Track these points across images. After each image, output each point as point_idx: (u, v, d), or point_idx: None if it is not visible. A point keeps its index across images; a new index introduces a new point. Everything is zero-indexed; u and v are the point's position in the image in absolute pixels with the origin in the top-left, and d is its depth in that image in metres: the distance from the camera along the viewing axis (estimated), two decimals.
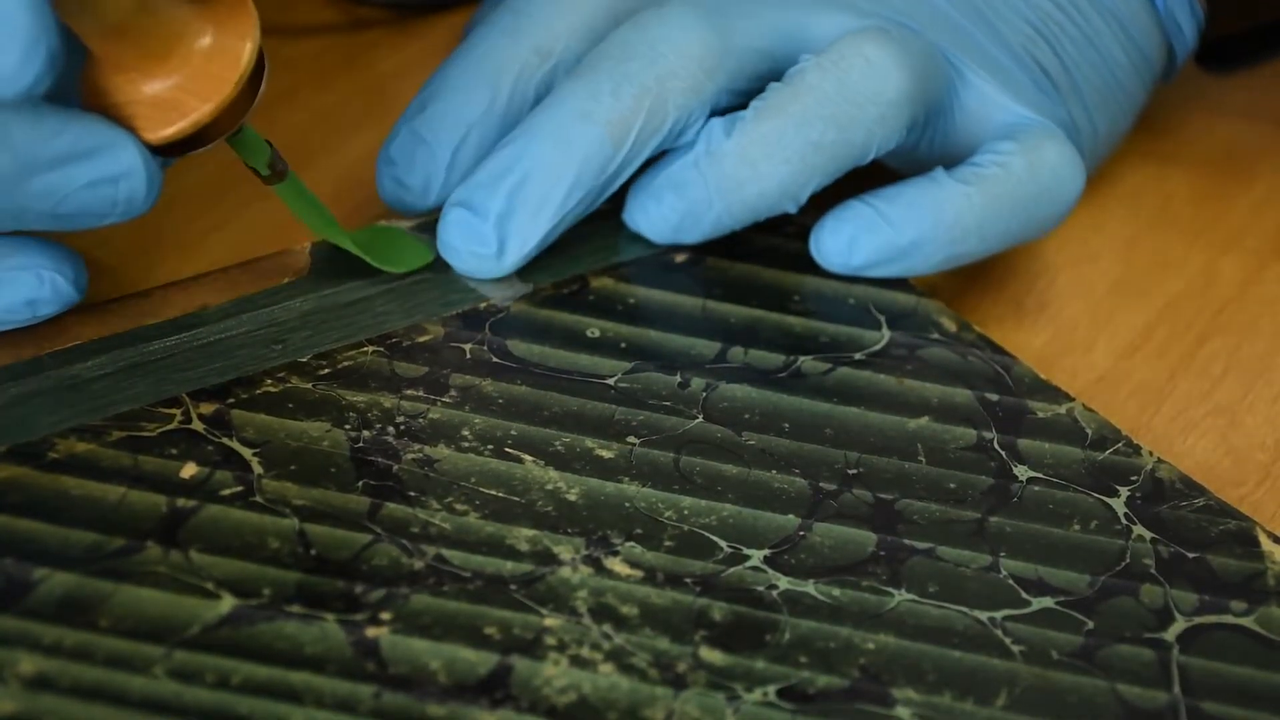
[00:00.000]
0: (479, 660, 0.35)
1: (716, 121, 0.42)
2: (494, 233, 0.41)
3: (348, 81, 0.50)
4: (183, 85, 0.37)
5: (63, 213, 0.36)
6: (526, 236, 0.41)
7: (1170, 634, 0.37)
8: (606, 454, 0.39)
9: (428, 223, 0.43)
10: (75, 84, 0.37)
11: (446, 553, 0.36)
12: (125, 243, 0.43)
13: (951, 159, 0.44)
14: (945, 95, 0.43)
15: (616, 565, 0.37)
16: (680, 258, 0.44)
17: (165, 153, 0.37)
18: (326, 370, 0.40)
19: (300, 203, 0.40)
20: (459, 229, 0.41)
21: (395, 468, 0.38)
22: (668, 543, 0.37)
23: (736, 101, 0.43)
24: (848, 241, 0.43)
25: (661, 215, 0.42)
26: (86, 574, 0.35)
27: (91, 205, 0.36)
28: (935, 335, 0.43)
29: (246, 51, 0.37)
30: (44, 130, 0.35)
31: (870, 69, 0.42)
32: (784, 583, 0.37)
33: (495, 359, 0.41)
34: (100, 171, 0.36)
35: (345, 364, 0.40)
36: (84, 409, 0.38)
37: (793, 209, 0.42)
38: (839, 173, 0.42)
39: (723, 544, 0.37)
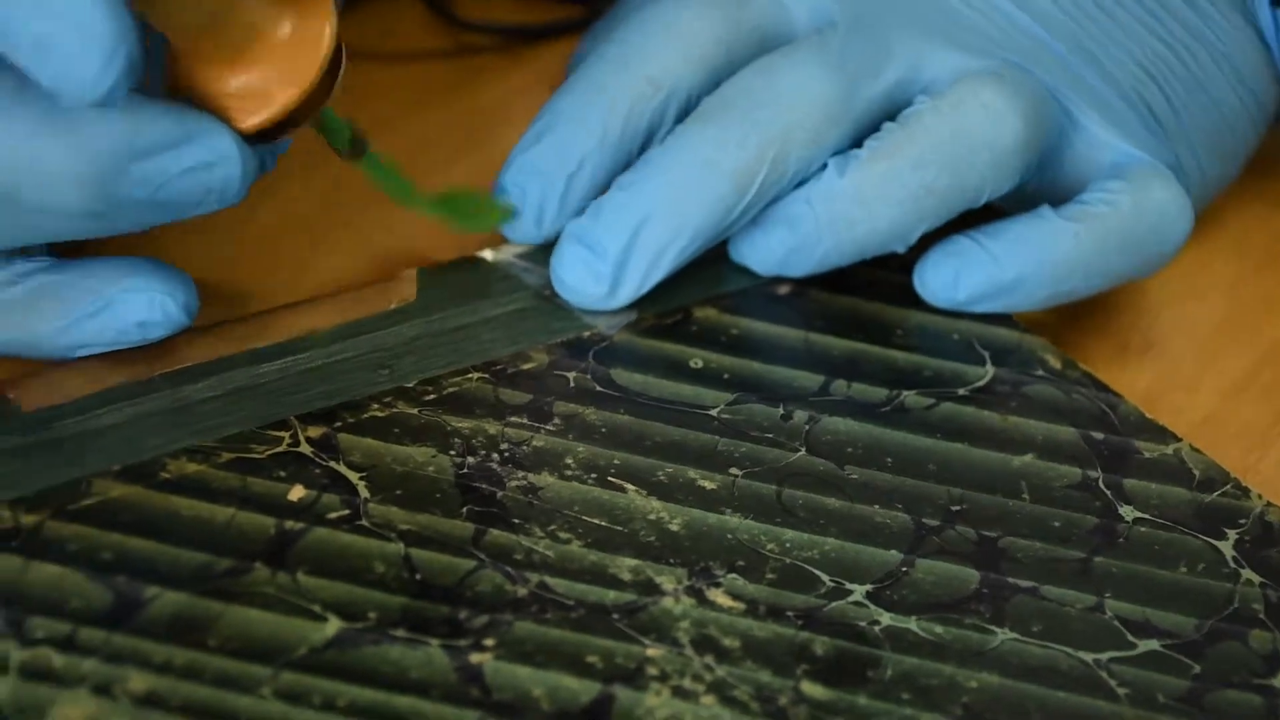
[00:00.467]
0: (581, 689, 0.35)
1: (831, 159, 0.42)
2: (610, 272, 0.41)
3: (449, 109, 0.50)
4: (267, 75, 0.37)
5: (161, 200, 0.37)
6: (643, 279, 0.42)
7: (1279, 681, 0.36)
8: (709, 485, 0.39)
9: (537, 251, 0.43)
10: (153, 75, 0.37)
11: (550, 580, 0.37)
12: (234, 266, 0.44)
13: (1059, 198, 0.44)
14: (1056, 137, 0.43)
15: (719, 597, 0.37)
16: (784, 289, 0.44)
17: (252, 141, 0.38)
18: (432, 396, 0.40)
19: (381, 175, 0.40)
20: (575, 266, 0.42)
21: (499, 494, 0.38)
22: (770, 575, 0.37)
23: (852, 143, 0.43)
24: (952, 276, 0.42)
25: (770, 248, 0.42)
26: (196, 594, 0.35)
27: (188, 192, 0.37)
28: (1040, 372, 0.43)
29: (326, 36, 0.37)
30: (141, 119, 0.36)
31: (987, 115, 0.42)
32: (886, 618, 0.37)
33: (599, 388, 0.41)
34: (196, 158, 0.36)
35: (451, 390, 0.40)
36: (194, 430, 0.38)
37: (901, 249, 0.42)
38: (949, 216, 0.42)
39: (825, 578, 0.37)
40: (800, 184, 0.42)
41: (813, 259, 0.42)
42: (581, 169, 0.42)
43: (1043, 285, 0.42)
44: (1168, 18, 0.45)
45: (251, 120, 0.37)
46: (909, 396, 0.42)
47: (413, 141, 0.49)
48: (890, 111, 0.43)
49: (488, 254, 0.44)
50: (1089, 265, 0.42)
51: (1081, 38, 0.44)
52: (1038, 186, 0.44)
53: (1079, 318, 0.46)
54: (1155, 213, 0.43)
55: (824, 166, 0.42)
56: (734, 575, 0.37)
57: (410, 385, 0.40)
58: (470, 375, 0.41)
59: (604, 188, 0.42)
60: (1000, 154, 0.42)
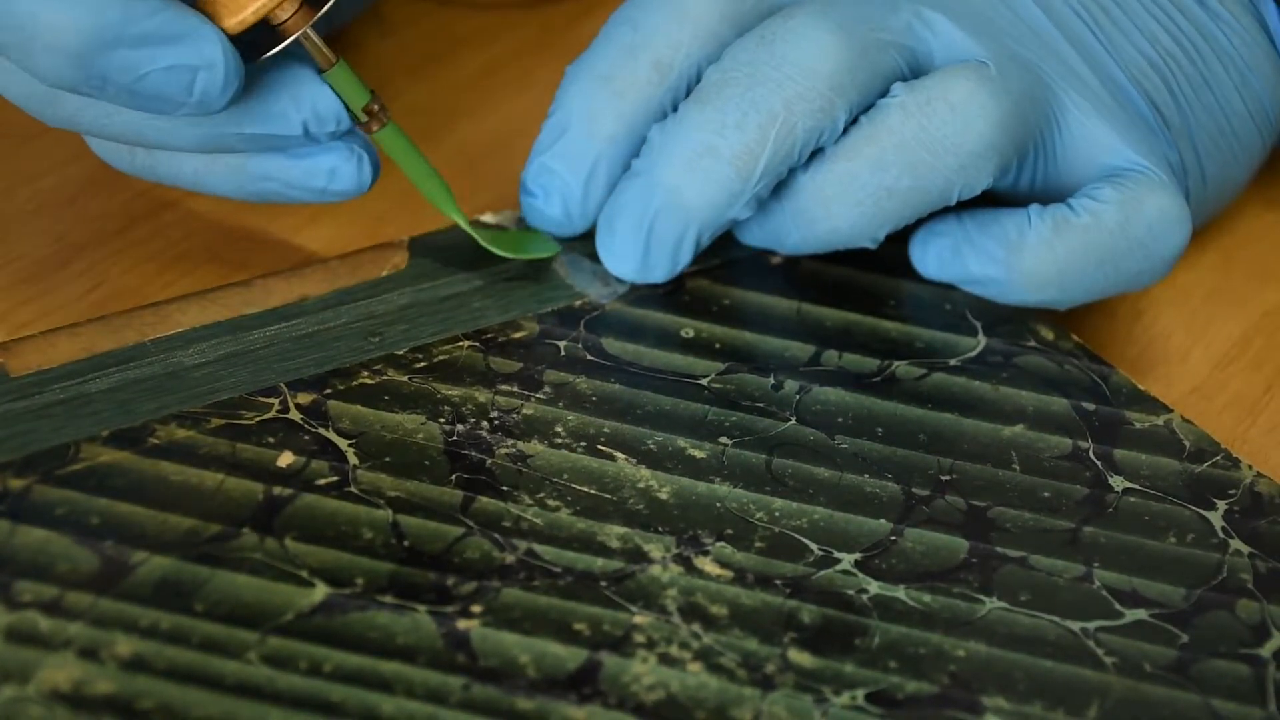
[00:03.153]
0: (568, 655, 0.35)
1: None
2: (636, 263, 0.42)
3: (435, 79, 0.50)
4: None
5: (139, 90, 0.37)
6: (670, 266, 0.42)
7: (1267, 650, 0.36)
8: (699, 454, 0.39)
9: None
10: None
11: (538, 548, 0.37)
12: (227, 232, 0.44)
13: (1055, 195, 0.43)
14: (1046, 134, 0.42)
15: (707, 565, 0.37)
16: (776, 260, 0.44)
17: (246, 54, 0.38)
18: (422, 364, 0.40)
19: (404, 155, 0.40)
20: (609, 255, 0.42)
21: (488, 462, 0.38)
22: (758, 544, 0.37)
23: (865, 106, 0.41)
24: (935, 259, 0.42)
25: (749, 230, 0.43)
26: (184, 559, 0.35)
27: (167, 89, 0.37)
28: (1032, 343, 0.43)
29: None
30: (136, 8, 0.36)
31: (953, 116, 0.40)
32: (875, 587, 0.37)
33: (590, 357, 0.41)
34: (181, 58, 0.37)
35: (441, 358, 0.40)
36: (185, 395, 0.38)
37: (871, 246, 0.42)
38: (916, 216, 0.41)
39: (814, 547, 0.37)
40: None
41: (787, 246, 0.42)
42: (596, 168, 0.42)
43: (1014, 292, 0.42)
44: (1178, 14, 0.44)
45: (236, 18, 0.37)
46: (900, 367, 0.42)
47: (402, 109, 0.49)
48: (901, 73, 0.42)
49: (488, 217, 0.44)
50: (1064, 278, 0.41)
51: (1087, 30, 0.43)
52: (1031, 185, 0.43)
53: None
54: (1144, 228, 0.41)
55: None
56: (722, 544, 0.37)
57: (400, 353, 0.40)
58: (461, 343, 0.41)
59: (625, 168, 0.42)
60: (966, 157, 0.41)
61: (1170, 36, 0.44)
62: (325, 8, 0.38)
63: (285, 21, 0.38)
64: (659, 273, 0.42)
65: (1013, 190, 0.43)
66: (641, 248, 0.41)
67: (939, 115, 0.40)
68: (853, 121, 0.41)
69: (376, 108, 0.40)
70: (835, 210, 0.41)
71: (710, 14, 0.42)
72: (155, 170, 0.40)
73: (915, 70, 0.42)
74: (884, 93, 0.41)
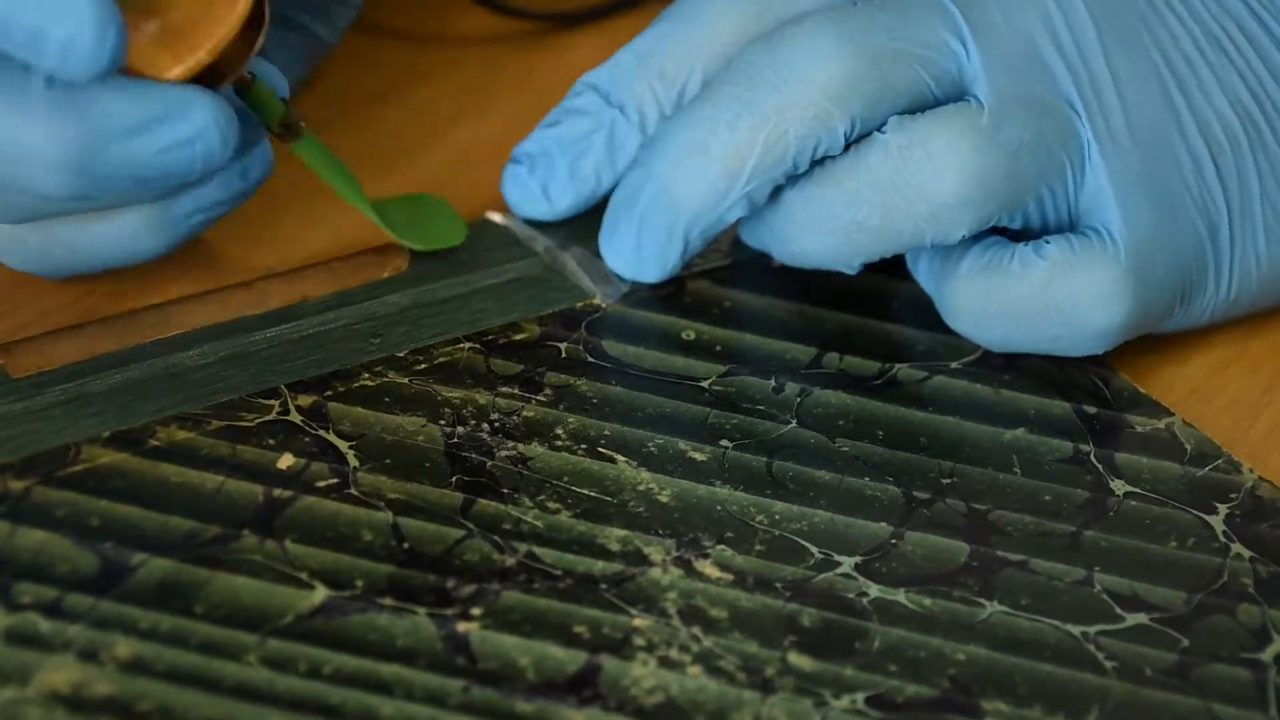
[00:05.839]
0: (568, 658, 0.35)
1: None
2: (631, 257, 0.42)
3: (437, 80, 0.50)
4: (172, 34, 0.37)
5: (143, 177, 0.37)
6: (662, 261, 0.42)
7: (1268, 654, 0.36)
8: (699, 456, 0.39)
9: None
10: None
11: (538, 550, 0.37)
12: (228, 234, 0.44)
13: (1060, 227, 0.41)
14: (1059, 181, 0.40)
15: (707, 568, 0.37)
16: (777, 262, 0.44)
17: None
18: (423, 365, 0.40)
19: (321, 164, 0.41)
20: (610, 251, 0.42)
21: (489, 464, 0.38)
22: (759, 547, 0.37)
23: (879, 120, 0.40)
24: (925, 265, 0.42)
25: (748, 231, 0.43)
26: (183, 560, 0.35)
27: (171, 168, 0.37)
28: None
29: (239, 4, 0.37)
30: (119, 100, 0.36)
31: (929, 165, 0.39)
32: (875, 590, 0.37)
33: (590, 359, 0.41)
34: (176, 134, 0.37)
35: (442, 360, 0.40)
36: (185, 397, 0.38)
37: (850, 272, 0.41)
38: (891, 254, 0.41)
39: (814, 550, 0.37)
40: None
41: (774, 255, 0.42)
42: (583, 158, 0.42)
43: (943, 313, 0.41)
44: (1258, 62, 0.41)
45: (166, 74, 0.37)
46: (901, 370, 0.42)
47: (409, 112, 0.49)
48: (926, 90, 0.40)
49: (496, 217, 0.44)
50: (979, 318, 0.40)
51: (1155, 82, 0.41)
52: (1045, 221, 0.41)
53: None
54: (1067, 293, 0.40)
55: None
56: (722, 546, 0.37)
57: (401, 354, 0.40)
58: (461, 345, 0.41)
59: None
60: (939, 208, 0.39)
61: (1250, 92, 0.41)
62: (257, 45, 0.38)
63: (225, 59, 0.38)
64: (651, 269, 0.42)
65: (1027, 228, 0.41)
66: (634, 240, 0.41)
67: (915, 161, 0.39)
68: (860, 137, 0.40)
69: (291, 119, 0.40)
70: (807, 235, 0.41)
71: (728, 29, 0.42)
72: (78, 261, 0.39)
73: (946, 91, 0.40)
74: (903, 109, 0.40)
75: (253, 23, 0.38)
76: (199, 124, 0.37)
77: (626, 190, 0.42)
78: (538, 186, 0.43)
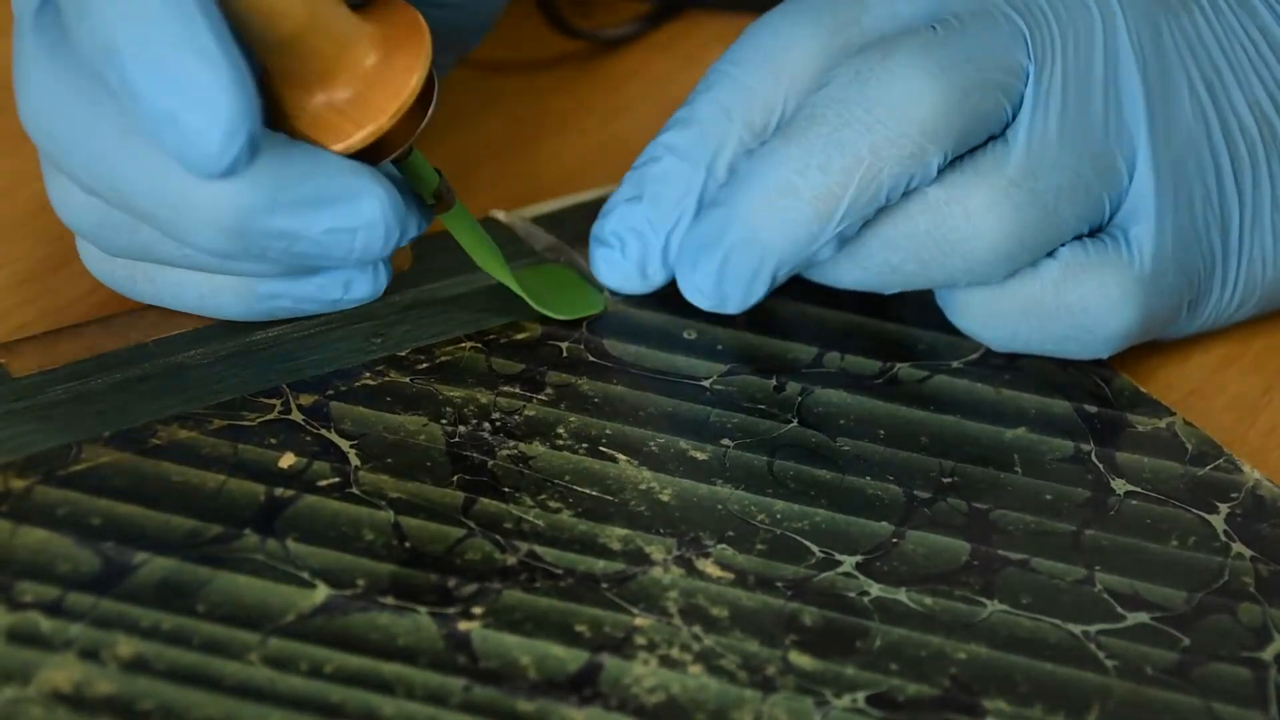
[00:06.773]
0: (569, 657, 0.35)
1: None
2: (711, 299, 0.40)
3: (442, 80, 0.50)
4: (345, 105, 0.36)
5: (298, 252, 0.36)
6: (743, 300, 0.40)
7: (1268, 653, 0.36)
8: (700, 455, 0.39)
9: (548, 215, 0.43)
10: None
11: (539, 549, 0.37)
12: None
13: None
14: (1092, 216, 0.40)
15: (708, 567, 0.37)
16: None
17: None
18: (424, 365, 0.40)
19: (467, 234, 0.40)
20: (688, 290, 0.40)
21: (490, 463, 0.38)
22: (760, 546, 0.37)
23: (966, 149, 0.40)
24: None
25: None
26: (185, 559, 0.35)
27: (327, 250, 0.36)
28: None
29: (414, 78, 0.36)
30: (292, 172, 0.35)
31: (967, 224, 0.39)
32: (876, 589, 0.37)
33: (592, 358, 0.41)
34: (341, 220, 0.36)
35: (443, 359, 0.40)
36: (186, 396, 0.38)
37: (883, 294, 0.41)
38: (921, 288, 0.41)
39: (815, 549, 0.37)
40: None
41: (808, 276, 0.41)
42: (680, 224, 0.41)
43: (952, 312, 0.41)
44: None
45: (345, 141, 0.36)
46: (902, 369, 0.42)
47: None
48: (1003, 117, 0.39)
49: (500, 214, 0.44)
50: (991, 317, 0.40)
51: (1185, 84, 0.41)
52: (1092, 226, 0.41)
53: None
54: (1078, 295, 0.40)
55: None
56: (724, 545, 0.37)
57: (403, 354, 0.40)
58: (463, 344, 0.41)
59: None
60: (974, 262, 0.39)
61: (1269, 96, 0.41)
62: (414, 137, 0.37)
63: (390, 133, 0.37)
64: (733, 304, 0.40)
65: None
66: (714, 278, 0.40)
67: (954, 219, 0.39)
68: (952, 162, 0.39)
69: (444, 190, 0.39)
70: (840, 267, 0.40)
71: (809, 67, 0.40)
72: (158, 295, 0.39)
73: (1015, 110, 0.40)
74: (985, 137, 0.39)
75: (420, 104, 0.37)
76: (369, 216, 0.36)
77: (707, 230, 0.40)
78: (634, 268, 0.41)
